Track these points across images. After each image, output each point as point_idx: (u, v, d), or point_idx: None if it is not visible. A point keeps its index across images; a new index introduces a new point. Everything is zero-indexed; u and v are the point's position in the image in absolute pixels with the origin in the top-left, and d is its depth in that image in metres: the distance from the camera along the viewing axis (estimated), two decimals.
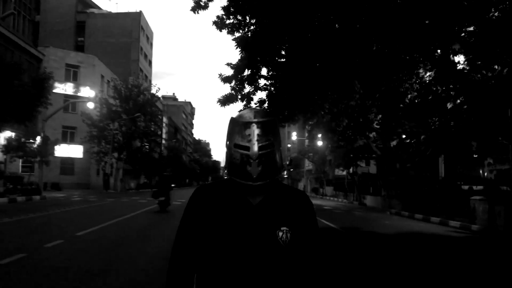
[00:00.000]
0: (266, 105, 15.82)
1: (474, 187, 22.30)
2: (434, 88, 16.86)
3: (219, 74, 14.55)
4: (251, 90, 15.43)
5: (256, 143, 1.47)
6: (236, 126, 1.52)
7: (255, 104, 16.26)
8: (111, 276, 6.32)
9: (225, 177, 1.66)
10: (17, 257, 7.31)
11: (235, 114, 1.62)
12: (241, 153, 1.49)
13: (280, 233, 1.49)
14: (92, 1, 68.78)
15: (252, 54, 13.90)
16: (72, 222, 13.29)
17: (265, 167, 1.48)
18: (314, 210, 1.62)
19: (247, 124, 1.49)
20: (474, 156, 22.37)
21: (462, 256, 10.43)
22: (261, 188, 1.51)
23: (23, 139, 25.47)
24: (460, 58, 16.12)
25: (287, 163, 75.44)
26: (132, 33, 64.82)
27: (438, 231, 15.58)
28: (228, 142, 1.55)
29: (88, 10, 65.39)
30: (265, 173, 1.48)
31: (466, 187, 23.20)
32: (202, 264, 1.52)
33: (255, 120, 1.49)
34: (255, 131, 1.48)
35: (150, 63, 74.50)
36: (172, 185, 21.12)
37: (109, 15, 66.19)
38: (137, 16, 65.88)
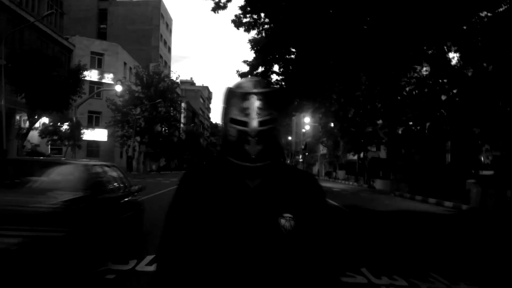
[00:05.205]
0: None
1: (480, 172, 23.67)
2: (430, 82, 18.59)
3: (236, 71, 16.68)
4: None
5: (256, 117, 1.29)
6: (233, 98, 1.33)
7: None
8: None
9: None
10: None
11: (232, 83, 1.40)
12: (238, 129, 1.31)
13: (283, 221, 1.32)
14: None
15: (265, 54, 15.85)
16: None
17: (265, 145, 1.30)
18: (323, 194, 1.45)
19: (246, 95, 1.30)
20: (479, 142, 23.94)
21: (436, 228, 12.42)
22: (261, 170, 1.34)
23: (58, 124, 27.95)
24: (454, 54, 17.78)
25: (302, 147, 77.33)
26: (152, 20, 66.86)
27: (430, 209, 17.53)
28: (223, 117, 1.37)
29: None
30: (266, 152, 1.31)
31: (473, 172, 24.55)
32: (195, 256, 1.34)
33: (255, 90, 1.31)
34: (255, 103, 1.30)
35: (169, 49, 76.63)
36: None
37: (130, 3, 68.35)
38: (157, 4, 67.82)
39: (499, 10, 16.18)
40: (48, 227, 4.69)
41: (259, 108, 1.30)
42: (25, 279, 4.80)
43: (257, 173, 1.35)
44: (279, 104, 1.37)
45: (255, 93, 1.31)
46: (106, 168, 7.17)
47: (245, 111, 1.30)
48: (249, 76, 18.27)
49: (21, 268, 4.71)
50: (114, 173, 7.32)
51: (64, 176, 6.06)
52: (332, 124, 43.43)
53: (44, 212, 4.79)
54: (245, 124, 1.30)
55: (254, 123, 1.29)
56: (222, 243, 1.31)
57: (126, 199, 7.19)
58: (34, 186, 5.79)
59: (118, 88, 37.52)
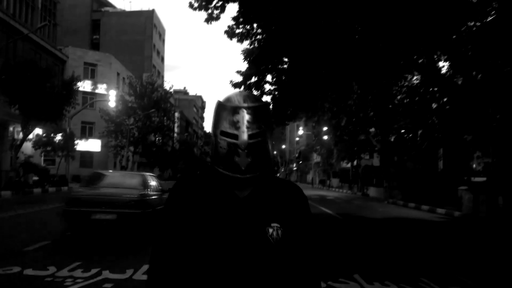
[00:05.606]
0: (270, 107, 18.12)
1: (472, 179, 23.91)
2: (421, 90, 18.89)
3: (230, 81, 16.89)
4: (257, 95, 17.66)
5: (245, 130, 1.34)
6: (223, 111, 1.38)
7: None
8: None
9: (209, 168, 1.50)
10: None
11: (222, 97, 1.44)
12: (228, 142, 1.35)
13: (270, 230, 1.38)
14: (106, 0, 71.19)
15: (258, 65, 16.07)
16: None
17: (255, 158, 1.36)
18: (308, 205, 1.51)
19: (236, 109, 1.35)
20: (470, 149, 24.25)
21: (428, 235, 12.58)
22: (250, 181, 1.39)
23: (52, 135, 27.87)
24: (444, 63, 18.09)
25: (296, 155, 77.63)
26: (145, 30, 67.05)
27: (422, 216, 17.70)
28: (214, 129, 1.41)
29: (103, 9, 67.83)
30: (255, 164, 1.36)
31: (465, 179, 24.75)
32: (186, 265, 1.39)
33: (245, 105, 1.36)
34: (245, 117, 1.34)
35: (162, 59, 76.82)
36: None
37: (123, 13, 68.58)
38: (150, 14, 68.11)
39: (487, 20, 16.53)
40: (131, 208, 8.62)
41: (248, 122, 1.35)
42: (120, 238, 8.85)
43: (246, 184, 1.41)
44: (268, 118, 1.42)
45: (245, 108, 1.35)
46: (151, 176, 11.25)
47: (235, 125, 1.35)
48: (242, 86, 18.62)
49: (117, 231, 8.81)
50: (154, 179, 11.22)
51: (134, 180, 10.04)
52: (325, 131, 43.72)
53: (129, 200, 8.75)
54: (235, 137, 1.35)
55: (244, 136, 1.34)
56: (212, 252, 1.35)
57: (161, 196, 10.41)
58: (120, 186, 9.53)
59: (112, 103, 37.55)
